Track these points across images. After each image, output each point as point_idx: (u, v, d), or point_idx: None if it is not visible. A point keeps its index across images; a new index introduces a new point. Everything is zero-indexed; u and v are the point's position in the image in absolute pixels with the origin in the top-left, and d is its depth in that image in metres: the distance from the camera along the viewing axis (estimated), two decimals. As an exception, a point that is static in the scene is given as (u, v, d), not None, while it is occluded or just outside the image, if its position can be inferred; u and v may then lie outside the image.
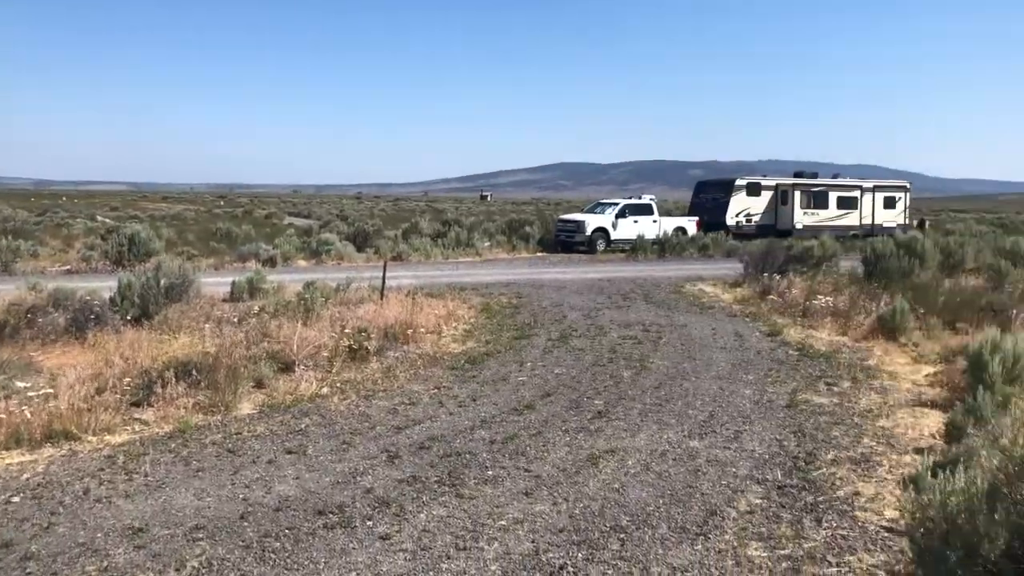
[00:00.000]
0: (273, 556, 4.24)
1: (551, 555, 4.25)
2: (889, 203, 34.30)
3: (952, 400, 6.92)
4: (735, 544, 4.40)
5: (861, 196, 33.51)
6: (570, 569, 4.11)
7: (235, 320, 10.56)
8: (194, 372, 7.32)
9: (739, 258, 17.85)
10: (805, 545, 4.39)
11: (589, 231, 26.98)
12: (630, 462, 5.77)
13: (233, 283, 13.49)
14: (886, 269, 14.43)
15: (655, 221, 28.30)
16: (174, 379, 7.15)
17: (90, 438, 6.17)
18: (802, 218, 31.55)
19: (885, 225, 32.65)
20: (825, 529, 4.60)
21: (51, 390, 6.76)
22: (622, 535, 4.52)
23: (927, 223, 37.14)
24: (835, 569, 4.11)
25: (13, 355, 8.21)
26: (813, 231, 28.19)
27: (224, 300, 12.78)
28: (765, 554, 4.28)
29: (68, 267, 19.26)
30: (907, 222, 34.40)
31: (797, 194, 31.79)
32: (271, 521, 4.71)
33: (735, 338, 10.73)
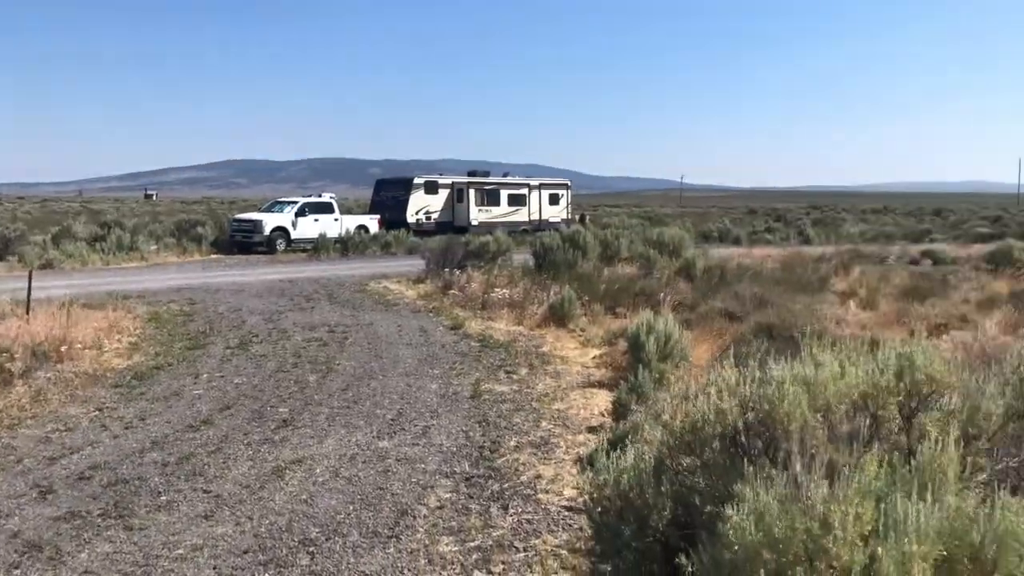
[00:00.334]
0: None
1: (233, 584, 3.88)
2: (554, 200, 37.31)
3: (617, 379, 7.59)
4: (427, 542, 4.37)
5: (529, 193, 36.05)
6: (254, 597, 3.77)
7: None
8: None
9: (421, 255, 18.17)
10: (494, 534, 4.48)
11: (268, 230, 25.80)
12: (318, 470, 5.52)
13: None
14: (554, 261, 15.62)
15: (337, 219, 27.88)
16: None
17: None
18: (477, 215, 33.09)
19: (551, 220, 35.39)
20: (512, 515, 4.74)
21: None
22: (312, 548, 4.29)
23: (587, 218, 40.87)
24: (523, 555, 4.23)
25: None
26: (487, 227, 29.66)
27: None
28: (456, 548, 4.30)
29: None
30: (570, 217, 37.64)
31: (472, 192, 33.28)
32: None
33: (420, 334, 10.85)
